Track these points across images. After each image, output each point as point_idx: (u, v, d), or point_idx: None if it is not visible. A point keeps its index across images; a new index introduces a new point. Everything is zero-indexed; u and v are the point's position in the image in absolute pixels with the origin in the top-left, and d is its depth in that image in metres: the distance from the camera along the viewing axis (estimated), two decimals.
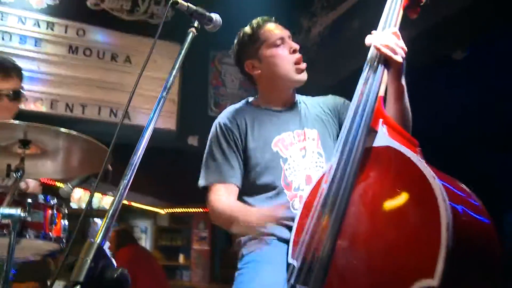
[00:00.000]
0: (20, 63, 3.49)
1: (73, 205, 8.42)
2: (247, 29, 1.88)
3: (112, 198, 1.00)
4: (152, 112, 1.21)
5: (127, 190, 1.01)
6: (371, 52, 1.46)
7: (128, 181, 1.02)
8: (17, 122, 1.85)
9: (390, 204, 1.16)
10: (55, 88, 3.71)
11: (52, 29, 3.87)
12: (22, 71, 2.42)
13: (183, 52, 1.38)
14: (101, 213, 8.88)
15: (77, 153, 2.07)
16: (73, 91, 3.74)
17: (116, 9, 4.05)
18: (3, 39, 3.74)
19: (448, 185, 1.07)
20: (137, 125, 3.87)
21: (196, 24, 1.45)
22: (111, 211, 0.93)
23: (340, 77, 3.72)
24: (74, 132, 1.80)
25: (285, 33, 1.85)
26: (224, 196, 1.74)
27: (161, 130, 3.89)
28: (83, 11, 3.95)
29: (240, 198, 1.79)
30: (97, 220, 9.12)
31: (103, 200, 8.81)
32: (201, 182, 1.79)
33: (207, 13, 1.49)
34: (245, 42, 1.87)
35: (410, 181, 1.13)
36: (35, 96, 3.62)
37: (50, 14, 3.90)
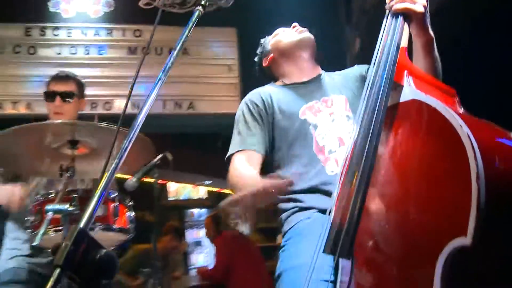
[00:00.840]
0: (86, 71, 3.79)
1: (171, 198, 8.91)
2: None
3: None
4: (149, 94, 1.23)
5: (114, 174, 1.03)
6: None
7: (117, 165, 1.04)
8: (59, 121, 1.99)
9: (419, 161, 1.11)
10: (119, 89, 3.92)
11: (111, 35, 4.13)
12: (81, 83, 2.65)
13: (186, 31, 1.39)
14: (195, 203, 9.32)
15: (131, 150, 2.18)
16: (136, 89, 3.90)
17: (168, 5, 4.17)
18: (70, 52, 4.06)
19: (481, 133, 0.99)
20: (201, 114, 4.00)
21: (203, 2, 1.48)
22: (95, 197, 0.96)
23: None
24: (114, 127, 1.89)
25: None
26: (242, 164, 1.76)
27: (227, 114, 3.97)
28: (137, 13, 4.12)
29: (275, 171, 1.80)
30: (192, 210, 9.56)
31: (197, 191, 9.24)
32: (230, 151, 1.83)
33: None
34: (260, 53, 2.10)
35: (437, 133, 1.07)
36: (103, 99, 3.88)
37: (107, 21, 4.16)
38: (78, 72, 3.66)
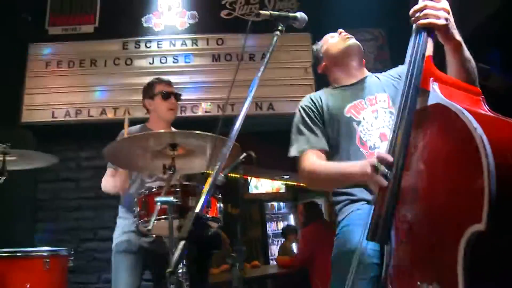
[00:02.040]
0: (176, 78, 4.16)
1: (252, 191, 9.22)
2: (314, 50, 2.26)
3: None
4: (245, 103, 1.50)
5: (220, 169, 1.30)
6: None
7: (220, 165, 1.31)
8: (163, 131, 2.31)
9: (442, 158, 1.22)
10: (205, 94, 4.25)
11: (196, 44, 4.43)
12: (164, 79, 3.07)
13: (268, 54, 1.65)
14: (274, 196, 9.59)
15: (215, 149, 2.47)
16: (221, 93, 4.23)
17: (247, 14, 4.46)
18: (161, 62, 4.41)
19: (494, 133, 1.08)
20: (280, 114, 4.23)
21: (280, 27, 1.71)
22: (207, 188, 1.24)
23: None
24: (207, 133, 2.18)
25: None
26: (316, 159, 1.90)
27: None
28: (219, 23, 4.45)
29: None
30: (272, 203, 9.83)
31: (276, 185, 9.50)
32: (293, 152, 1.98)
33: (291, 14, 1.75)
34: (315, 58, 2.26)
35: (456, 134, 1.17)
36: (191, 103, 4.20)
37: (193, 32, 4.49)
38: (168, 79, 4.09)
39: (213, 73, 4.33)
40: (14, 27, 4.42)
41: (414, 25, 1.50)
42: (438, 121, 1.27)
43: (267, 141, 4.41)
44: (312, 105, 2.04)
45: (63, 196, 4.41)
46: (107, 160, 2.76)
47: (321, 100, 2.03)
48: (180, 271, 1.88)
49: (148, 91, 3.04)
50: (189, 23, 4.53)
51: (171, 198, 2.02)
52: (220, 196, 2.53)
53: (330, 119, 1.99)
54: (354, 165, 1.64)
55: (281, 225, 9.72)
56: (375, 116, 1.89)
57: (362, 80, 2.06)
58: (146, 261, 2.82)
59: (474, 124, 1.07)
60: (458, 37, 1.53)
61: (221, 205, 2.53)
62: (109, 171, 2.88)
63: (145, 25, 4.52)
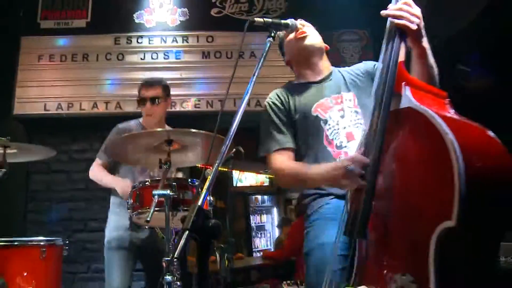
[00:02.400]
0: (166, 74, 4.24)
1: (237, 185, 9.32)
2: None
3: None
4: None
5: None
6: (388, 24, 1.54)
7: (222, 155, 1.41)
8: (160, 129, 2.42)
9: (414, 160, 1.28)
10: (194, 90, 4.34)
11: (187, 41, 4.49)
12: (166, 86, 3.07)
13: (261, 60, 1.74)
14: (258, 189, 9.71)
15: (209, 145, 2.57)
16: (211, 89, 4.33)
17: (236, 12, 4.55)
18: (152, 58, 4.48)
19: (464, 136, 1.14)
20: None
21: (272, 33, 1.76)
22: (209, 183, 1.35)
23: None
24: (202, 131, 2.29)
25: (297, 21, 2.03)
26: (284, 159, 1.94)
27: None
28: (209, 20, 4.52)
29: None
30: (256, 196, 9.90)
31: (260, 178, 9.63)
32: (261, 152, 2.02)
33: (283, 21, 1.82)
34: (280, 47, 2.21)
35: (428, 137, 1.22)
36: (181, 99, 4.29)
37: (183, 29, 4.55)
38: (158, 74, 4.17)
39: (202, 69, 4.41)
40: (6, 20, 4.45)
41: (388, 27, 1.54)
42: (410, 124, 1.33)
43: (252, 136, 4.53)
44: (279, 102, 2.04)
45: (55, 187, 4.49)
46: (107, 155, 2.87)
47: (288, 97, 2.03)
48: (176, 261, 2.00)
49: (138, 94, 3.11)
50: (180, 20, 4.59)
51: (168, 192, 2.14)
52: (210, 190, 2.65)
53: (298, 117, 1.99)
54: (324, 170, 1.70)
55: (264, 218, 9.83)
56: (341, 115, 1.91)
57: (327, 77, 2.06)
58: (137, 256, 2.93)
59: (446, 129, 1.14)
60: (425, 43, 1.59)
61: (211, 198, 2.67)
62: (98, 161, 2.99)
63: (136, 21, 4.57)
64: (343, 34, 4.68)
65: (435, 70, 1.65)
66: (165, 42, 4.53)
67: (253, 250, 8.81)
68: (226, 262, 3.09)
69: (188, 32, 4.55)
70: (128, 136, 2.34)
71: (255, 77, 1.78)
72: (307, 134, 1.97)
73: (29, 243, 2.63)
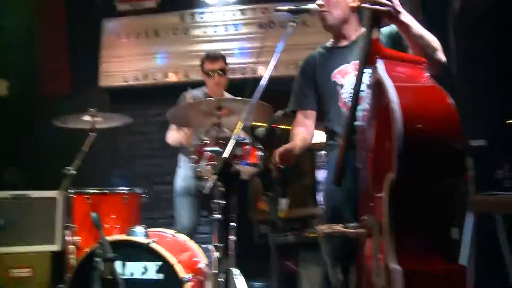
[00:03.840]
0: (226, 45, 4.66)
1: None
2: None
3: None
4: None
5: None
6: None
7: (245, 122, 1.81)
8: (210, 99, 2.87)
9: (379, 120, 1.51)
10: (254, 58, 4.68)
11: (244, 14, 4.82)
12: (225, 57, 3.51)
13: (283, 42, 2.06)
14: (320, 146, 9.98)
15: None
16: (267, 58, 4.69)
17: None
18: (214, 31, 4.87)
19: (407, 100, 1.34)
20: None
21: (295, 19, 2.06)
22: (232, 140, 1.77)
23: None
24: (246, 99, 2.70)
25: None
26: (299, 120, 2.30)
27: None
28: None
29: (324, 121, 2.28)
30: (321, 152, 10.21)
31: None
32: (286, 109, 2.41)
33: (304, 7, 2.10)
34: None
35: (384, 103, 1.41)
36: (241, 67, 4.66)
37: (241, 3, 4.87)
38: (219, 46, 4.61)
39: (259, 39, 4.71)
40: (89, 6, 5.04)
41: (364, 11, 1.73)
42: (379, 92, 1.51)
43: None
44: (307, 66, 2.30)
45: (135, 146, 5.13)
46: (171, 122, 3.38)
47: (315, 62, 2.27)
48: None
49: (201, 66, 3.58)
50: None
51: (217, 148, 2.60)
52: (260, 146, 3.06)
53: (320, 82, 2.23)
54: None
55: None
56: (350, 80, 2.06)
57: (353, 43, 2.19)
58: (202, 201, 3.47)
59: (393, 97, 1.35)
60: (403, 18, 1.71)
61: (261, 153, 3.07)
62: (172, 126, 3.51)
63: None
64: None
65: (426, 38, 1.79)
66: (224, 16, 4.87)
67: (319, 203, 9.15)
68: (274, 210, 3.52)
69: (245, 6, 4.85)
70: (185, 106, 2.83)
71: (278, 55, 2.06)
72: (326, 98, 2.22)
73: (115, 191, 3.19)
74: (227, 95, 3.60)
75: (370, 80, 1.61)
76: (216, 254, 2.42)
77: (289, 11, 2.06)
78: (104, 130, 3.79)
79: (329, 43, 2.34)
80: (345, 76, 2.16)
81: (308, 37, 4.59)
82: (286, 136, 4.23)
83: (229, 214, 1.66)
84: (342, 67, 2.17)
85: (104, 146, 4.99)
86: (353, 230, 1.66)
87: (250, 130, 3.74)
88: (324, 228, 1.80)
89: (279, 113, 3.50)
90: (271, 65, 1.96)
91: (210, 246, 2.57)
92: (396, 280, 1.32)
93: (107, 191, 3.18)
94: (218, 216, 2.48)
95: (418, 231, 1.40)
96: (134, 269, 2.52)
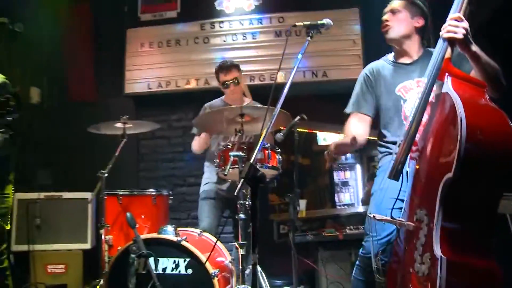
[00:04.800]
0: (244, 52, 4.82)
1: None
2: None
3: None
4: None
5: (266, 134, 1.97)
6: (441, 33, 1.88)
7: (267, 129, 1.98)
8: (233, 106, 3.02)
9: (441, 129, 1.70)
10: (270, 65, 4.84)
11: (261, 23, 4.96)
12: (238, 66, 3.66)
13: (300, 55, 2.21)
14: None
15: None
16: (283, 64, 4.84)
17: None
18: (232, 39, 5.03)
19: (474, 117, 1.51)
20: (333, 80, 4.78)
21: (311, 34, 2.22)
22: (257, 146, 1.94)
23: None
24: (265, 106, 2.87)
25: (388, 8, 2.42)
26: (353, 121, 2.43)
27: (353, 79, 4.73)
28: (280, 3, 4.94)
29: (380, 129, 2.44)
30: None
31: (340, 136, 9.99)
32: (346, 110, 2.50)
33: (319, 22, 2.23)
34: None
35: (450, 113, 1.61)
36: (257, 73, 4.81)
37: (258, 12, 5.00)
38: (238, 53, 4.78)
39: (276, 47, 4.86)
40: (114, 17, 5.26)
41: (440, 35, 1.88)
42: (444, 104, 1.71)
43: (323, 101, 4.98)
44: (371, 74, 2.43)
45: (158, 150, 5.32)
46: (197, 128, 3.53)
47: (379, 74, 2.40)
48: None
49: (217, 77, 3.75)
50: (255, 5, 5.06)
51: (240, 153, 2.77)
52: (279, 150, 3.22)
53: (384, 92, 2.36)
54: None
55: (348, 174, 10.20)
56: (419, 96, 2.07)
57: (417, 61, 2.35)
58: (224, 204, 3.64)
59: (461, 109, 1.54)
60: (473, 48, 1.87)
61: (280, 157, 3.23)
62: (195, 136, 3.70)
63: (218, 8, 5.11)
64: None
65: (492, 66, 1.93)
66: (242, 25, 5.02)
67: (337, 204, 9.24)
68: (294, 210, 3.68)
69: (262, 15, 4.99)
70: (210, 113, 3.01)
71: (295, 68, 2.19)
72: (389, 109, 2.35)
73: (144, 192, 3.41)
74: (247, 100, 3.77)
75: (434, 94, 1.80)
76: (241, 252, 2.61)
77: (305, 26, 2.20)
78: (131, 136, 4.01)
79: (391, 57, 2.48)
80: (408, 92, 2.31)
81: (321, 45, 4.77)
82: (304, 140, 4.41)
83: (254, 214, 1.82)
84: (406, 82, 2.32)
85: (130, 150, 5.23)
86: (401, 221, 1.83)
87: (270, 135, 3.92)
88: (376, 215, 1.95)
89: (298, 118, 3.68)
90: (291, 75, 2.08)
91: (235, 244, 2.77)
92: (439, 268, 1.49)
93: (137, 193, 3.38)
94: (242, 216, 2.68)
95: (464, 227, 1.58)
96: (166, 265, 2.70)
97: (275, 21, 4.94)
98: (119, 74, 5.19)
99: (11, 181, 2.91)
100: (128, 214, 2.90)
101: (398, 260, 1.96)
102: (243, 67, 3.91)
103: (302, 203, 5.02)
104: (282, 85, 4.78)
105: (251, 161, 1.85)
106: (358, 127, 2.43)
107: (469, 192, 1.59)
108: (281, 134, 3.70)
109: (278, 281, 4.42)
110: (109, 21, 5.23)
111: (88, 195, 4.19)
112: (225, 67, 3.62)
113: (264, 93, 4.91)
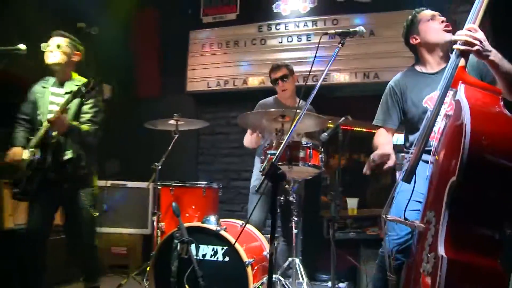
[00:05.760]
0: (299, 54, 4.93)
1: None
2: (409, 16, 2.50)
3: None
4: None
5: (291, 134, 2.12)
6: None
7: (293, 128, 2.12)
8: (273, 110, 3.15)
9: (452, 134, 1.74)
10: (324, 66, 4.95)
11: (316, 25, 5.03)
12: (289, 65, 3.85)
13: (331, 61, 2.29)
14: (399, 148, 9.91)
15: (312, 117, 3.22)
16: (336, 65, 4.93)
17: None
18: (287, 40, 5.13)
19: (481, 123, 1.55)
20: (385, 81, 4.77)
21: (342, 41, 2.26)
22: (282, 145, 2.08)
23: None
24: (298, 110, 2.99)
25: (435, 13, 2.41)
26: (381, 132, 2.49)
27: None
28: (334, 5, 4.98)
29: (406, 135, 2.49)
30: (400, 153, 10.13)
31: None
32: (374, 122, 2.55)
33: (351, 30, 2.26)
34: (409, 24, 2.49)
35: (459, 120, 1.65)
36: (312, 74, 4.72)
37: (312, 14, 5.07)
38: (293, 55, 4.90)
39: (330, 49, 4.97)
40: (178, 19, 5.56)
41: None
42: (456, 111, 1.76)
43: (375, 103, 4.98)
44: (396, 88, 2.46)
45: (217, 145, 5.57)
46: (239, 125, 3.72)
47: (406, 86, 2.42)
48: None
49: (269, 76, 3.92)
50: (310, 7, 5.13)
51: (275, 151, 2.91)
52: (322, 149, 3.33)
53: (410, 105, 2.38)
54: (377, 147, 2.30)
55: None
56: (445, 107, 2.03)
57: (442, 70, 2.25)
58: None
59: (467, 116, 1.59)
60: (491, 57, 1.88)
61: (323, 156, 3.33)
62: (248, 131, 3.90)
63: (275, 11, 5.24)
64: (459, 5, 4.82)
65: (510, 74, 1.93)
66: (298, 27, 5.10)
67: None
68: (336, 207, 3.78)
69: (316, 17, 5.06)
70: (251, 113, 3.18)
71: (325, 72, 2.27)
72: (415, 121, 2.37)
73: (195, 185, 3.60)
74: (298, 101, 3.90)
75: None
76: (280, 244, 2.75)
77: (336, 34, 2.26)
78: (192, 131, 4.29)
79: (417, 66, 2.49)
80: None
81: (373, 47, 4.79)
82: (348, 140, 4.45)
83: (274, 209, 1.96)
84: (432, 94, 2.29)
85: (190, 144, 5.54)
86: (411, 222, 1.90)
87: (316, 134, 4.02)
88: (388, 216, 2.03)
89: (342, 119, 3.75)
90: (322, 77, 2.19)
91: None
92: (441, 267, 1.54)
93: (188, 185, 3.60)
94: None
95: (469, 228, 1.62)
96: (205, 252, 2.92)
97: (329, 23, 4.98)
98: (182, 73, 5.49)
99: (95, 172, 3.29)
100: (173, 203, 3.14)
101: (413, 260, 2.03)
102: (297, 68, 4.05)
103: (353, 202, 5.08)
104: (334, 85, 4.80)
105: (273, 160, 1.99)
106: (386, 139, 2.48)
107: (474, 196, 1.62)
108: (326, 134, 3.81)
109: (325, 276, 4.54)
110: (174, 23, 5.53)
111: (149, 185, 4.53)
112: (275, 65, 3.85)
113: (317, 94, 5.02)
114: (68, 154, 3.09)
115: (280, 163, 3.08)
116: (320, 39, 2.46)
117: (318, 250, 4.57)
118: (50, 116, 2.97)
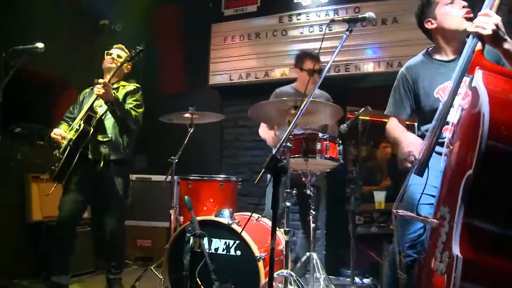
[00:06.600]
0: (320, 44, 4.79)
1: None
2: None
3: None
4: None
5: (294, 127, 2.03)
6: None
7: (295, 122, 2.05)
8: (285, 99, 3.09)
9: (469, 124, 1.63)
10: (346, 56, 4.78)
11: (337, 14, 4.89)
12: (313, 54, 3.80)
13: (335, 53, 2.19)
14: None
15: (327, 107, 3.11)
16: (355, 55, 4.78)
17: None
18: (309, 31, 5.03)
19: (500, 109, 1.43)
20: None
21: (349, 28, 2.19)
22: (283, 139, 2.01)
23: None
24: (317, 100, 2.91)
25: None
26: (393, 122, 2.39)
27: None
28: None
29: (418, 125, 2.37)
30: None
31: None
32: (386, 112, 2.44)
33: (360, 16, 2.19)
34: (424, 5, 2.31)
35: (476, 108, 1.53)
36: (334, 64, 4.73)
37: (334, 3, 4.94)
38: (314, 45, 4.78)
39: (351, 38, 4.81)
40: (200, 13, 5.55)
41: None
42: (473, 98, 1.64)
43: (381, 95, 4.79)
44: (408, 75, 2.33)
45: (241, 138, 5.53)
46: (250, 116, 3.65)
47: (418, 74, 2.29)
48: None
49: (299, 62, 3.84)
50: None
51: (288, 144, 2.84)
52: (340, 141, 3.24)
53: (422, 94, 2.27)
54: (401, 142, 2.16)
55: None
56: (458, 97, 1.95)
57: (456, 59, 2.17)
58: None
59: (485, 104, 1.46)
60: (506, 45, 1.76)
61: (340, 148, 3.24)
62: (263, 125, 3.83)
63: (295, 1, 5.14)
64: None
65: None
66: (319, 16, 4.97)
67: None
68: (356, 201, 3.69)
69: (338, 6, 4.92)
70: (263, 103, 3.10)
71: (331, 61, 2.20)
72: (427, 111, 2.25)
73: (212, 178, 3.60)
74: (317, 91, 3.80)
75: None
76: (286, 238, 2.70)
77: (344, 21, 2.19)
78: (216, 124, 4.25)
79: (433, 52, 2.35)
80: (447, 93, 2.18)
81: (397, 34, 4.61)
82: (368, 131, 4.30)
83: (274, 201, 1.89)
84: (445, 83, 2.18)
85: (215, 137, 5.53)
86: (424, 218, 1.81)
87: (335, 126, 3.92)
88: (399, 211, 1.94)
89: (362, 109, 3.63)
90: (328, 65, 2.17)
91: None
92: (455, 268, 1.44)
93: (206, 178, 3.58)
94: (288, 204, 2.76)
95: (486, 226, 1.49)
96: (218, 245, 2.89)
97: (351, 11, 4.82)
98: (204, 67, 5.48)
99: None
100: (186, 197, 3.12)
101: (425, 256, 1.92)
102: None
103: (381, 195, 4.93)
104: (355, 75, 4.62)
105: (273, 153, 1.92)
106: (405, 130, 2.36)
107: (492, 191, 1.49)
108: (345, 125, 3.71)
109: (349, 271, 4.43)
110: (195, 17, 5.52)
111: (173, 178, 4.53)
112: (315, 55, 3.83)
113: (339, 84, 4.89)
114: (108, 136, 3.32)
115: (296, 155, 3.01)
116: (325, 30, 2.36)
117: (343, 244, 4.48)
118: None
